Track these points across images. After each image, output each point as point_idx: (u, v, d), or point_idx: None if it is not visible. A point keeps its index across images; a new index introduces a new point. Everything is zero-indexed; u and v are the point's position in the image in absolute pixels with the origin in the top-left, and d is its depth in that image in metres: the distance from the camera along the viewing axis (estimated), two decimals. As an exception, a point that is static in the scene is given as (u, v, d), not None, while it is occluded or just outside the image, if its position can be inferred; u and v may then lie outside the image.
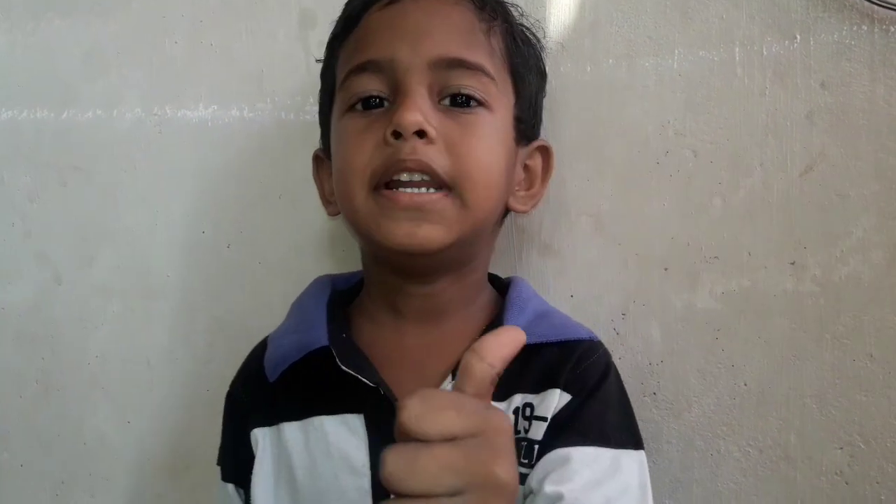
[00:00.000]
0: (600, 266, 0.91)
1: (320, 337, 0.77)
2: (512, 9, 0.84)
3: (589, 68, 0.91)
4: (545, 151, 0.84)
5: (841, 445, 0.85)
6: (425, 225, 0.72)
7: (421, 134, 0.71)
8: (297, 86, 0.98)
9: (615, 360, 0.85)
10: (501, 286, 0.84)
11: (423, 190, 0.72)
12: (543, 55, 0.86)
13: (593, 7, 0.91)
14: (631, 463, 0.74)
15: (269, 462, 0.78)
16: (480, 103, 0.75)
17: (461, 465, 0.47)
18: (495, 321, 0.78)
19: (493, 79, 0.76)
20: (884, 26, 0.83)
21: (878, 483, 0.84)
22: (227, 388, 0.85)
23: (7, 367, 1.08)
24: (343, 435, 0.75)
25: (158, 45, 1.03)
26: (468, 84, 0.74)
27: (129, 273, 1.05)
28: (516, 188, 0.82)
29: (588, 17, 0.91)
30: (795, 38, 0.85)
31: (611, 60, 0.90)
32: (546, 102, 0.89)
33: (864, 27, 0.84)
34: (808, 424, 0.86)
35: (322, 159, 0.85)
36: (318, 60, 0.86)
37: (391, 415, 0.70)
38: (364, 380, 0.73)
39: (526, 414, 0.74)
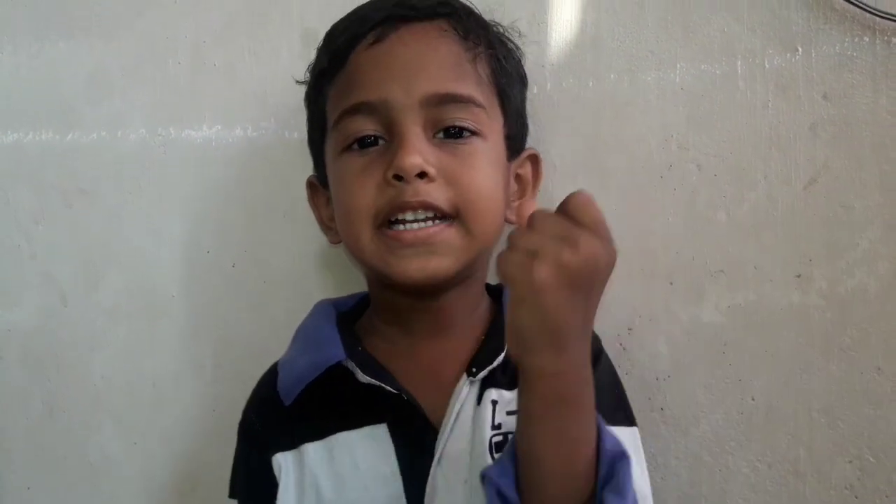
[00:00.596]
0: (605, 281, 0.91)
1: (336, 353, 0.77)
2: (492, 24, 0.84)
3: (591, 83, 0.91)
4: (534, 159, 0.86)
5: (850, 459, 0.85)
6: (435, 257, 0.74)
7: (422, 175, 0.73)
8: (300, 104, 0.97)
9: (622, 375, 0.85)
10: (493, 291, 0.86)
11: (426, 224, 0.74)
12: (522, 59, 0.87)
13: (595, 22, 0.91)
14: (625, 439, 0.75)
15: (292, 485, 0.78)
16: (474, 133, 0.77)
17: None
18: (495, 324, 0.80)
19: (483, 107, 0.78)
20: (885, 37, 0.83)
21: (887, 497, 0.84)
22: (233, 408, 0.84)
23: (13, 388, 1.08)
24: (369, 447, 0.76)
25: (162, 66, 1.03)
26: (461, 117, 0.76)
27: (134, 294, 1.05)
28: (511, 200, 0.83)
29: (590, 33, 0.91)
30: (797, 50, 0.86)
31: (613, 75, 0.91)
32: (549, 117, 0.89)
33: (866, 38, 0.84)
34: (817, 438, 0.85)
35: (317, 186, 0.87)
36: (298, 82, 0.87)
37: (414, 420, 0.74)
38: (387, 387, 0.75)
39: None
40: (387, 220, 0.75)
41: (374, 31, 0.78)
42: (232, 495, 0.83)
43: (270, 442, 0.79)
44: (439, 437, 0.74)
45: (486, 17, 0.85)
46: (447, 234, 0.75)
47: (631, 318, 0.90)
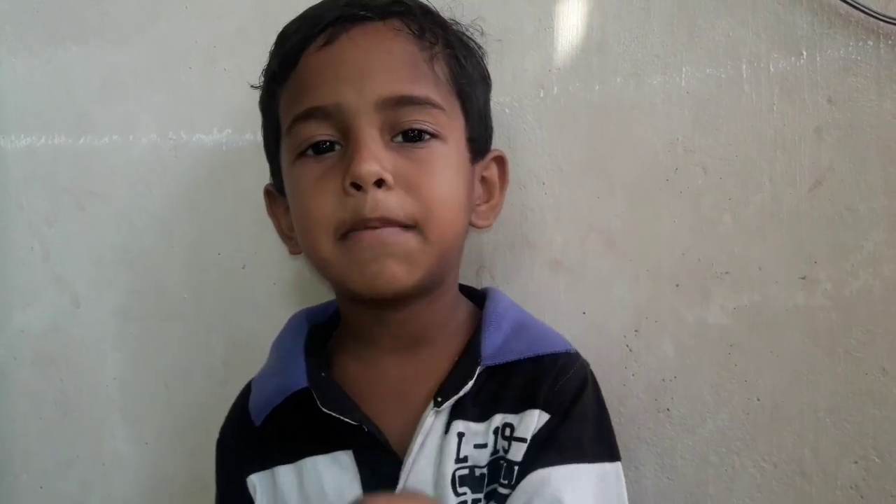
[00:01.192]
0: (612, 283, 0.92)
1: (299, 379, 0.77)
2: (449, 21, 0.82)
3: (597, 87, 0.92)
4: (500, 161, 0.84)
5: (856, 459, 0.85)
6: (390, 260, 0.71)
7: (380, 183, 0.71)
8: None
9: (628, 376, 0.86)
10: (478, 297, 0.84)
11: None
12: (484, 58, 0.85)
13: (601, 27, 0.92)
14: (607, 476, 0.74)
15: None
16: (433, 135, 0.74)
17: None
18: (473, 341, 0.78)
19: (442, 109, 0.75)
20: (890, 41, 0.84)
21: (893, 497, 0.84)
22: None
23: (26, 389, 1.10)
24: (336, 473, 0.75)
25: (173, 70, 1.04)
26: (418, 119, 0.73)
27: (145, 295, 1.06)
28: (477, 203, 0.81)
29: (596, 37, 0.92)
30: (802, 54, 0.86)
31: (619, 79, 0.91)
32: (556, 121, 0.90)
33: (871, 42, 0.84)
34: (823, 439, 0.86)
35: (274, 194, 0.84)
36: (253, 87, 0.85)
37: (378, 449, 0.73)
38: (347, 420, 0.74)
39: (506, 434, 0.74)
40: (347, 233, 0.72)
41: (324, 32, 0.75)
42: None
43: (245, 462, 0.80)
44: (403, 467, 0.73)
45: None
46: (404, 237, 0.72)
47: (637, 320, 0.91)
